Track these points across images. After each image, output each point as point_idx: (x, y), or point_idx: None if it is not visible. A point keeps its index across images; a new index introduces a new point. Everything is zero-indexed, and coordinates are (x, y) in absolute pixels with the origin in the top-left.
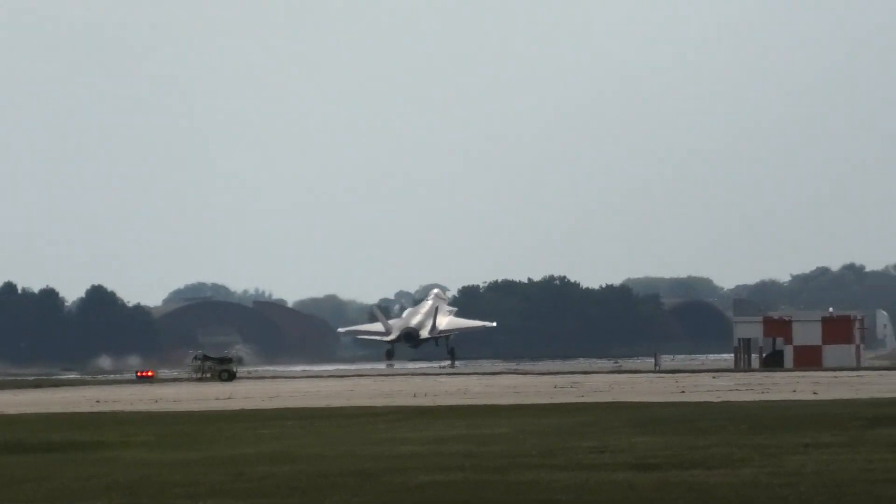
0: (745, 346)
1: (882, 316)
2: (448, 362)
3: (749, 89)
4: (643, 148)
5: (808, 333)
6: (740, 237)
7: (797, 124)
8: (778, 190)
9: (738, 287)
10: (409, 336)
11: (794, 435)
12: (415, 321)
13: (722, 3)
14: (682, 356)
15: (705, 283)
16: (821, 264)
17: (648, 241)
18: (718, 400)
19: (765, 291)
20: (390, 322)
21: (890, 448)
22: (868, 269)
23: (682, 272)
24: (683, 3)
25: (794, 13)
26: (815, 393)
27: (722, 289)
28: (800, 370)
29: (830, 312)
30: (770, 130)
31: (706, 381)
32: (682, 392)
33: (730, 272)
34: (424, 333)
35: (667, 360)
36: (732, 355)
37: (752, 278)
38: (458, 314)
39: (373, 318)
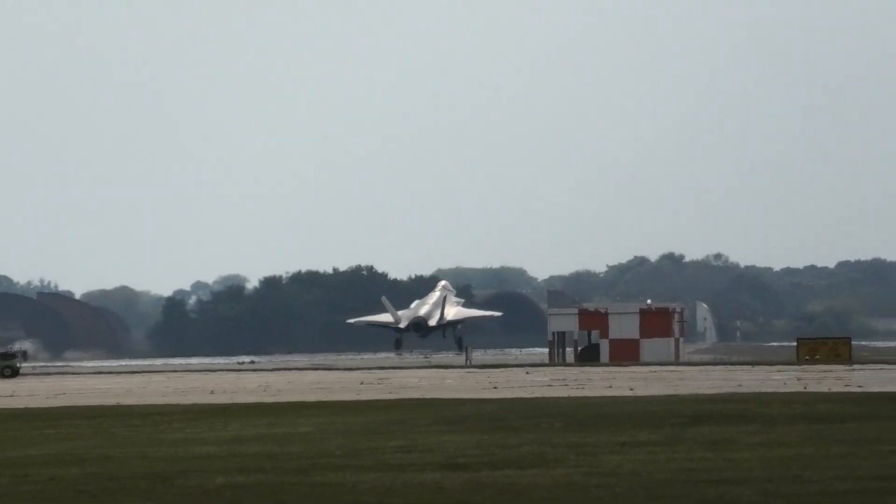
0: (560, 339)
1: (702, 308)
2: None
3: (546, 87)
4: (453, 132)
5: (625, 326)
6: (554, 226)
7: (604, 113)
8: (592, 179)
9: (552, 278)
10: (419, 325)
11: (610, 433)
12: (423, 311)
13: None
14: (495, 350)
15: (519, 274)
16: (639, 254)
17: (459, 230)
18: (532, 396)
19: (580, 282)
20: (399, 312)
21: (709, 447)
22: (688, 258)
23: (494, 262)
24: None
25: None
26: (631, 389)
27: (536, 279)
28: (616, 365)
29: (648, 305)
30: (575, 118)
31: (519, 377)
32: (495, 388)
33: (544, 262)
34: (433, 323)
35: (479, 355)
36: (547, 349)
37: (566, 269)
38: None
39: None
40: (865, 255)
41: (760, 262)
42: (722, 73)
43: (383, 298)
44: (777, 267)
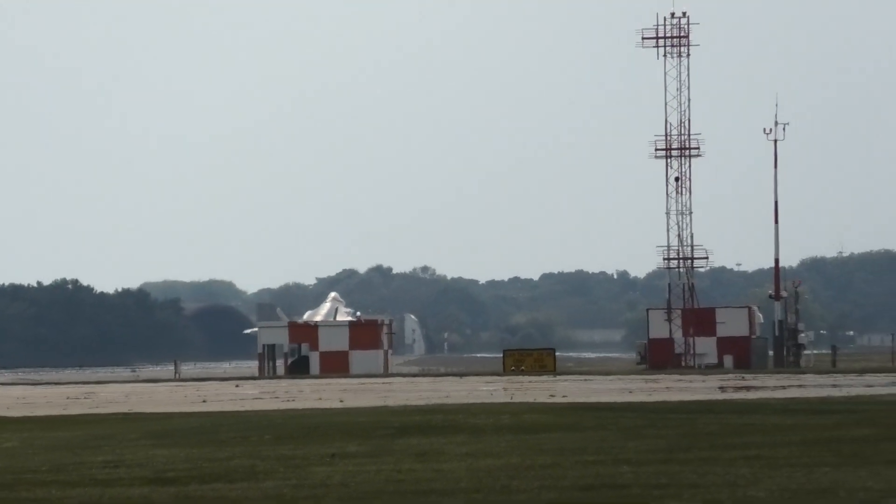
0: (270, 352)
1: (411, 320)
2: None
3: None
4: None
5: (334, 339)
6: (263, 239)
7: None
8: (299, 190)
9: (261, 291)
10: None
11: (319, 445)
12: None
13: None
14: (206, 363)
15: (228, 287)
16: (348, 266)
17: (167, 242)
18: (241, 409)
19: (289, 295)
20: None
21: (417, 457)
22: (396, 270)
23: (203, 275)
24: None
25: None
26: (341, 401)
27: (245, 293)
28: (326, 377)
29: (358, 317)
30: (277, 121)
31: (229, 390)
32: (204, 401)
33: (253, 275)
34: None
35: (189, 368)
36: (257, 362)
37: (276, 281)
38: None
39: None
40: (568, 267)
41: (467, 275)
42: (444, 81)
43: (278, 310)
44: (482, 279)
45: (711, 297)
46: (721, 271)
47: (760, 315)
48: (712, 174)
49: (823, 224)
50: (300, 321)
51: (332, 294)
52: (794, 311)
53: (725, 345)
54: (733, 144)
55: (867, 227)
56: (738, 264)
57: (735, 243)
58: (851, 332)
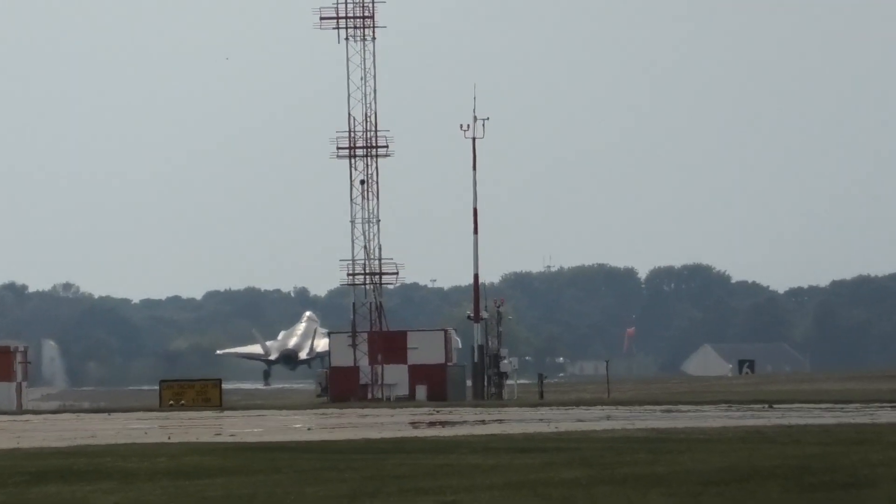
0: None
1: (49, 347)
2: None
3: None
4: None
5: None
6: None
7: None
8: None
9: None
10: (289, 358)
11: None
12: (292, 343)
13: None
14: None
15: None
16: None
17: None
18: None
19: None
20: (268, 344)
21: None
22: (32, 289)
23: None
24: None
25: None
26: None
27: None
28: None
29: None
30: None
31: None
32: None
33: None
34: (303, 355)
35: None
36: None
37: None
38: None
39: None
40: (237, 284)
41: (116, 293)
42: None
43: (253, 330)
44: (136, 298)
45: (402, 318)
46: (413, 288)
47: (458, 339)
48: (403, 177)
49: (529, 235)
50: (290, 345)
51: (307, 313)
52: (496, 334)
53: (418, 373)
54: (427, 143)
55: (578, 239)
56: (433, 280)
57: (429, 256)
58: (561, 359)
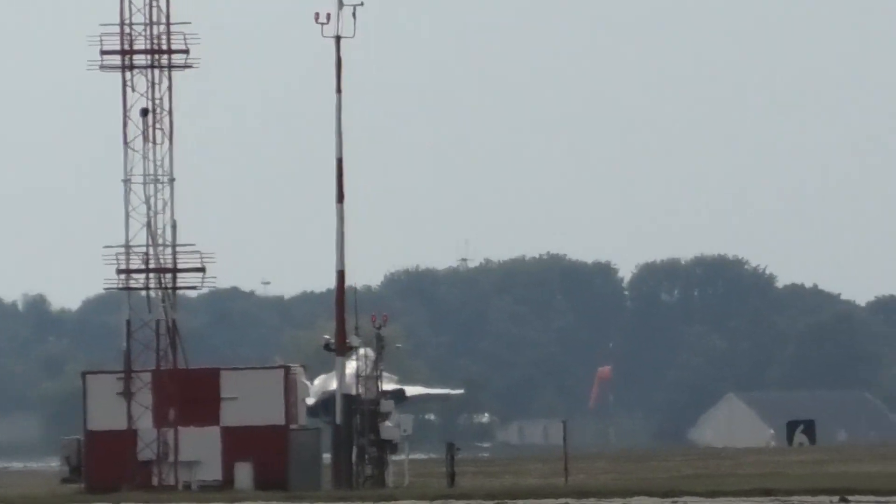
0: None
1: None
2: None
3: None
4: None
5: None
6: None
7: None
8: None
9: None
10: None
11: None
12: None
13: None
14: None
15: None
16: None
17: None
18: None
19: None
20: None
21: None
22: None
23: None
24: None
25: None
26: None
27: None
28: None
29: None
30: None
31: None
32: None
33: None
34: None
35: None
36: None
37: None
38: None
39: None
40: None
41: None
42: None
43: None
44: None
45: (213, 346)
46: (232, 296)
47: (309, 384)
48: (215, 106)
49: (433, 207)
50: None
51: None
52: (374, 375)
53: (239, 443)
54: (257, 46)
55: (515, 216)
56: (266, 283)
57: (258, 243)
58: (486, 417)
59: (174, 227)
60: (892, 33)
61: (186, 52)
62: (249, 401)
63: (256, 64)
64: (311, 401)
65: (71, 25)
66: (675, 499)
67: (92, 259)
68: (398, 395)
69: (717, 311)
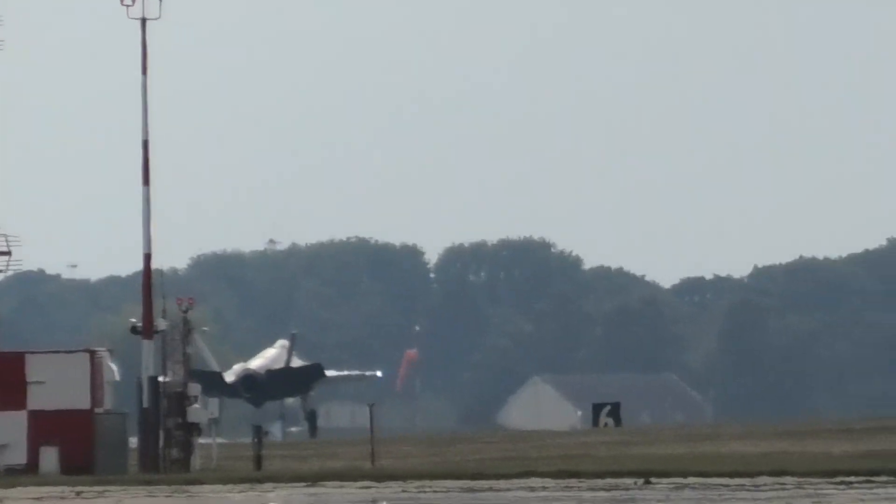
0: None
1: None
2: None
3: None
4: None
5: None
6: None
7: None
8: None
9: None
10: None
11: None
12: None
13: None
14: None
15: None
16: None
17: None
18: None
19: None
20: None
21: None
22: None
23: None
24: None
25: None
26: None
27: None
28: None
29: None
30: None
31: None
32: None
33: None
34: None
35: None
36: None
37: None
38: None
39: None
40: None
41: None
42: None
43: None
44: None
45: (19, 331)
46: (37, 280)
47: (115, 367)
48: (18, 84)
49: (240, 189)
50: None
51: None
52: (181, 358)
53: (44, 427)
54: (63, 25)
55: (323, 199)
56: (72, 266)
57: (65, 225)
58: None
59: None
60: None
61: None
62: (55, 385)
63: (63, 45)
64: (230, 378)
65: None
66: (473, 484)
67: None
68: (317, 373)
69: (524, 294)
